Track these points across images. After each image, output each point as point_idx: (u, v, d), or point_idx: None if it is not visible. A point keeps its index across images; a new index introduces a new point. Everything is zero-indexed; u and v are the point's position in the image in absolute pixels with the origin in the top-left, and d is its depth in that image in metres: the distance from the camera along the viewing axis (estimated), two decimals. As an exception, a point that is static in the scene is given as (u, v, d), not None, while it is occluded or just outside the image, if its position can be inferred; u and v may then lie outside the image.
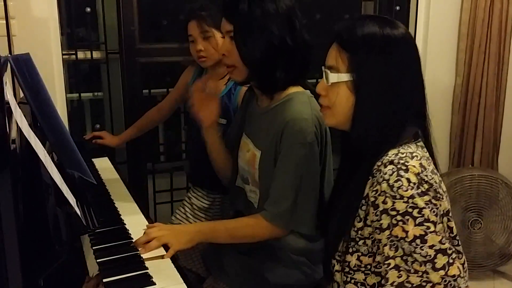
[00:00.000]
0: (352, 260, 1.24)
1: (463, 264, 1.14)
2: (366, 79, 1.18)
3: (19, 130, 1.10)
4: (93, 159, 2.06)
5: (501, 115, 2.96)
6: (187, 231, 1.46)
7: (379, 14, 2.87)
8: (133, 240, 1.36)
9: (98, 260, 1.24)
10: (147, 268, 1.23)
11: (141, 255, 1.29)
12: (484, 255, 2.82)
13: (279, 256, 1.55)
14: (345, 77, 1.20)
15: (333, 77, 1.21)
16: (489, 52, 2.82)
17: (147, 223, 1.50)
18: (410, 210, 1.08)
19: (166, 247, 1.35)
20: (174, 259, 1.32)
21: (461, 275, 1.11)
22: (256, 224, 1.48)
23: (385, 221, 1.11)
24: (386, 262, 1.12)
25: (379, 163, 1.16)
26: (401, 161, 1.12)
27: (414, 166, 1.11)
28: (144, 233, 1.38)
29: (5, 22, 1.78)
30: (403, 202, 1.08)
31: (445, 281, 1.09)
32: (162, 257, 1.31)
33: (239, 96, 1.94)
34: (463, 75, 2.89)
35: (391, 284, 1.11)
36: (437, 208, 1.11)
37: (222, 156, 1.74)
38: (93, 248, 1.30)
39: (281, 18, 1.44)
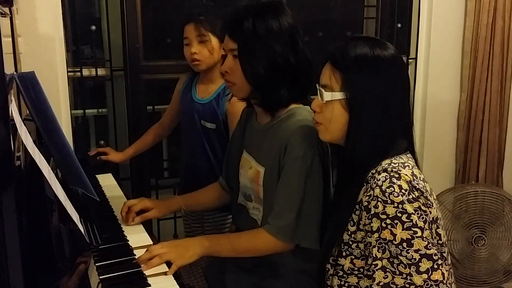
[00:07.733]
0: (346, 263, 1.29)
1: (448, 271, 1.18)
2: (358, 97, 1.25)
3: (24, 147, 1.11)
4: (97, 175, 2.07)
5: (504, 131, 2.96)
6: (189, 246, 1.44)
7: (375, 34, 2.90)
8: (136, 257, 1.37)
9: (101, 277, 1.25)
10: (150, 285, 1.23)
11: (144, 272, 1.29)
12: (488, 272, 2.80)
13: (282, 273, 1.54)
14: (338, 95, 1.27)
15: (328, 95, 1.28)
16: (492, 69, 2.83)
17: (150, 240, 1.50)
18: (399, 215, 1.15)
19: (169, 263, 1.35)
20: (177, 276, 1.31)
21: (444, 281, 1.15)
22: (259, 237, 1.47)
23: (375, 224, 1.17)
24: (374, 263, 1.18)
25: (373, 171, 1.23)
26: (394, 170, 1.19)
27: (406, 175, 1.19)
28: (147, 250, 1.38)
29: (11, 39, 1.81)
30: (393, 207, 1.15)
31: (428, 284, 1.14)
32: (165, 273, 1.32)
33: (227, 102, 1.98)
34: (467, 92, 2.90)
35: (377, 284, 1.17)
36: (426, 215, 1.17)
37: (206, 205, 1.84)
38: (96, 264, 1.30)
39: (284, 36, 1.46)
